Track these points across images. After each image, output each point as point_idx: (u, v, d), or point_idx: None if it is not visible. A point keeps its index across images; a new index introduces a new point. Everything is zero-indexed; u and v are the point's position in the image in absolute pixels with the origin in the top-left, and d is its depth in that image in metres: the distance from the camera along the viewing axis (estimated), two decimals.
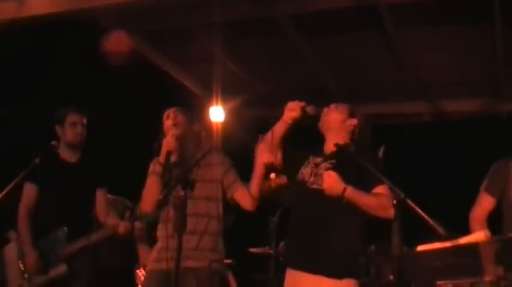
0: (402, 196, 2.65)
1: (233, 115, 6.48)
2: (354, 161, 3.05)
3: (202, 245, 3.28)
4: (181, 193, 2.94)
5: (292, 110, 3.16)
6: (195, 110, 6.12)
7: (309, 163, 3.23)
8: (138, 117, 3.51)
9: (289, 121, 3.18)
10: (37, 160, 3.84)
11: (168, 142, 3.31)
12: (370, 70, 5.94)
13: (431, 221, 2.65)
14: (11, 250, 3.97)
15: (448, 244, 2.70)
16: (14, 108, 5.20)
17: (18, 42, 4.55)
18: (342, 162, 3.12)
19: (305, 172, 3.20)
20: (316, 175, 3.12)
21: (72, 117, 4.05)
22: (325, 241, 2.98)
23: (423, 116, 6.62)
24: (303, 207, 3.14)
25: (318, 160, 3.21)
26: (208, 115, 6.34)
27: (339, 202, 2.98)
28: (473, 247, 2.68)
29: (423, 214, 2.66)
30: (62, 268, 3.81)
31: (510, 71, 5.54)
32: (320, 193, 3.01)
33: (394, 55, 5.45)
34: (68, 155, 4.06)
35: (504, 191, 3.47)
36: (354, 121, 3.31)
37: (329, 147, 3.25)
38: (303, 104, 3.17)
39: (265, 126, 3.29)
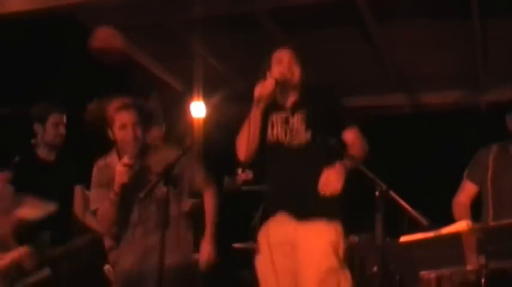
0: (384, 187, 2.67)
1: (214, 111, 6.46)
2: (318, 100, 3.15)
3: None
4: (164, 189, 2.92)
5: (264, 86, 3.10)
6: (176, 106, 6.13)
7: (273, 122, 3.21)
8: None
9: (263, 99, 3.11)
10: (17, 159, 3.79)
11: (121, 174, 3.13)
12: (350, 64, 5.96)
13: (413, 212, 2.67)
14: None
15: (430, 234, 2.73)
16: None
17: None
18: (309, 107, 3.15)
19: (276, 132, 3.18)
20: (291, 131, 3.14)
21: (54, 118, 4.00)
22: (311, 189, 2.96)
23: (403, 108, 6.67)
24: (285, 165, 3.14)
25: (283, 114, 3.20)
26: (189, 111, 6.31)
27: (321, 154, 3.02)
28: (455, 237, 2.71)
29: (405, 205, 2.68)
30: (44, 272, 3.77)
31: (488, 62, 5.60)
32: (300, 148, 3.08)
33: (374, 49, 5.47)
34: (45, 154, 4.01)
35: (484, 178, 3.52)
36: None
37: (288, 98, 3.23)
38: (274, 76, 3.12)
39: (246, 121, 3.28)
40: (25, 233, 3.82)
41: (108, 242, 3.85)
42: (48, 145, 4.01)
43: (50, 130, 3.98)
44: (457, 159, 4.02)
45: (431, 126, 6.26)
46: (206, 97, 6.25)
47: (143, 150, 3.33)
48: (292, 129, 3.14)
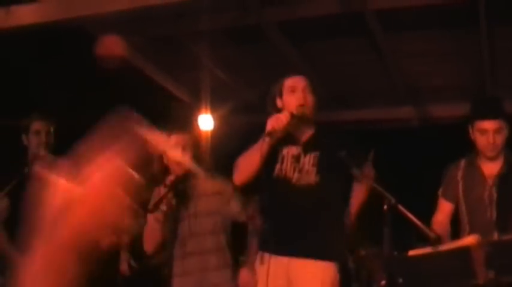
0: (393, 200, 2.66)
1: (222, 123, 6.48)
2: (331, 142, 3.01)
3: None
4: (173, 202, 2.92)
5: (278, 119, 2.93)
6: (184, 119, 6.14)
7: (283, 156, 3.08)
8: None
9: (276, 133, 2.93)
10: (26, 170, 3.76)
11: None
12: (358, 76, 5.97)
13: (422, 226, 2.66)
14: None
15: (439, 248, 2.71)
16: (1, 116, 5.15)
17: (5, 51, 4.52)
18: (323, 150, 3.03)
19: (285, 168, 3.05)
20: (301, 170, 3.03)
21: (36, 125, 3.89)
22: (314, 229, 2.96)
23: (411, 121, 6.65)
24: (289, 202, 3.04)
25: (294, 150, 3.07)
26: (197, 123, 6.32)
27: (328, 197, 2.98)
28: (464, 251, 2.69)
29: (414, 219, 2.67)
30: None
31: (496, 74, 5.58)
32: (308, 188, 2.99)
33: (382, 60, 5.47)
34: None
35: (456, 194, 3.47)
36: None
37: (301, 132, 3.10)
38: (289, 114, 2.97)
39: (254, 133, 3.25)
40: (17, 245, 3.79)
41: (124, 267, 3.80)
42: (34, 155, 3.86)
43: (32, 138, 3.88)
44: None
45: (440, 139, 6.23)
46: (214, 109, 6.27)
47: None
48: (302, 170, 3.03)
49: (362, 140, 3.39)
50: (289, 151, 3.07)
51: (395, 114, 6.67)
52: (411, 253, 2.79)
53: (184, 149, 3.25)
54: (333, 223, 3.05)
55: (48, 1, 4.36)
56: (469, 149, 3.48)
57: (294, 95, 3.06)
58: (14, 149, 3.97)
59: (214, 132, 6.42)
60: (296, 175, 3.03)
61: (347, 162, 2.92)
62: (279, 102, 3.11)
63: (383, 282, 4.03)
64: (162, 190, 3.21)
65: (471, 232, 3.31)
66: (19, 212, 3.81)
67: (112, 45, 4.58)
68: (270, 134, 2.88)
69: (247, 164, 2.99)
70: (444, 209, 3.51)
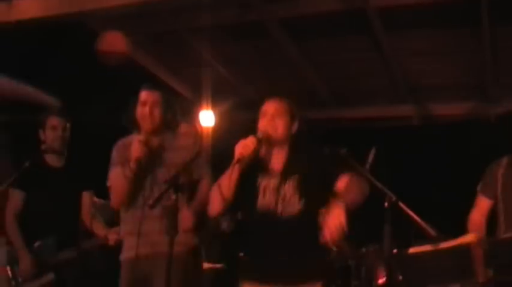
0: (394, 198, 2.66)
1: (223, 119, 6.48)
2: (309, 162, 2.97)
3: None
4: (173, 197, 2.92)
5: (245, 146, 2.88)
6: (186, 114, 6.15)
7: (264, 189, 3.01)
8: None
9: (245, 159, 2.88)
10: (27, 165, 3.80)
11: (136, 149, 3.24)
12: (359, 74, 5.97)
13: (422, 224, 2.66)
14: (1, 255, 3.93)
15: (439, 246, 2.72)
16: (3, 111, 5.16)
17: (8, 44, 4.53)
18: (301, 171, 2.98)
19: (268, 200, 2.98)
20: (283, 200, 2.97)
21: (52, 121, 3.98)
22: (301, 255, 2.93)
23: (412, 119, 6.65)
24: (275, 233, 2.97)
25: (273, 182, 3.01)
26: (198, 119, 6.33)
27: (313, 223, 2.96)
28: (464, 249, 2.69)
29: (414, 216, 2.67)
30: (49, 277, 3.78)
31: (498, 73, 5.58)
32: (294, 219, 2.94)
33: (383, 59, 5.47)
34: (52, 160, 4.01)
35: (495, 192, 3.48)
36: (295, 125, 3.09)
37: (275, 159, 3.04)
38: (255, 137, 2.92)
39: (255, 130, 3.25)
40: (31, 236, 3.84)
41: (112, 237, 3.83)
42: (51, 150, 4.00)
43: (48, 133, 3.97)
44: (466, 171, 4.00)
45: (440, 138, 6.24)
46: (215, 105, 6.27)
47: (161, 131, 3.38)
48: (285, 199, 2.98)
49: (362, 138, 3.39)
50: (269, 183, 3.02)
51: (396, 113, 6.67)
52: (411, 250, 2.80)
53: (152, 105, 3.34)
54: (319, 246, 2.97)
55: None
56: (469, 147, 3.49)
57: (263, 119, 3.03)
58: (32, 143, 4.03)
59: (215, 128, 6.42)
60: (279, 206, 2.98)
61: (348, 159, 2.92)
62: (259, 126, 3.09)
63: (383, 279, 4.05)
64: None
65: (506, 231, 3.33)
66: (32, 205, 3.91)
67: (114, 41, 4.59)
68: (239, 160, 2.86)
69: (220, 194, 2.95)
70: (482, 206, 3.52)
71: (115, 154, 3.44)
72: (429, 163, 6.21)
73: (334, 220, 2.66)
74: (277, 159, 3.05)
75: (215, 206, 3.02)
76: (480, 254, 2.69)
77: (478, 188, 3.56)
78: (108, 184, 3.42)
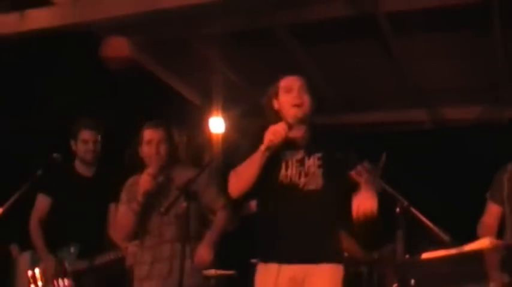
0: (406, 203, 2.65)
1: (233, 126, 6.47)
2: (333, 145, 3.00)
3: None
4: (184, 204, 2.94)
5: (276, 132, 2.87)
6: (195, 121, 6.15)
7: (287, 162, 2.99)
8: (138, 129, 3.51)
9: (275, 146, 2.87)
10: (39, 172, 3.84)
11: (145, 182, 3.27)
12: (369, 78, 5.95)
13: (434, 229, 2.65)
14: (24, 259, 3.97)
15: (452, 251, 2.70)
16: (15, 119, 5.20)
17: (18, 53, 4.56)
18: (325, 150, 2.99)
19: (291, 173, 2.97)
20: (307, 174, 2.97)
21: (84, 134, 4.06)
22: (322, 234, 2.93)
23: (424, 123, 6.62)
24: (297, 208, 2.96)
25: (298, 155, 3.00)
26: (208, 126, 6.32)
27: (333, 200, 2.96)
28: (477, 254, 2.67)
29: (427, 221, 2.66)
30: (67, 284, 3.81)
31: (510, 76, 5.54)
32: (316, 193, 2.95)
33: (394, 63, 5.45)
34: (83, 169, 4.09)
35: (502, 198, 3.45)
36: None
37: (300, 134, 3.03)
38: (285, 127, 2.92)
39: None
40: (55, 243, 3.88)
41: (132, 250, 3.85)
42: (81, 161, 4.08)
43: (80, 146, 4.06)
44: (478, 175, 3.97)
45: (452, 142, 6.20)
46: (225, 112, 6.27)
47: (168, 166, 3.43)
48: (308, 173, 2.97)
49: (373, 143, 3.38)
50: (293, 156, 3.01)
51: (407, 117, 6.64)
52: (424, 255, 2.78)
53: (158, 144, 3.40)
54: (336, 226, 3.04)
55: (62, 5, 4.39)
56: (481, 151, 3.48)
57: (289, 95, 3.02)
58: (62, 151, 4.08)
59: (226, 135, 6.42)
60: (303, 179, 2.97)
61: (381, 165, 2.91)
62: (275, 104, 3.08)
63: (395, 285, 4.03)
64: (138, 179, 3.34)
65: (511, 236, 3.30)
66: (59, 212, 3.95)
67: (117, 46, 4.61)
68: (268, 148, 2.85)
69: (244, 177, 2.95)
70: (492, 212, 3.50)
71: (125, 191, 3.50)
72: (441, 167, 6.17)
73: (368, 200, 2.70)
74: (300, 134, 3.04)
75: (237, 188, 3.00)
76: (495, 259, 2.67)
77: (487, 194, 3.54)
78: (114, 222, 3.50)
